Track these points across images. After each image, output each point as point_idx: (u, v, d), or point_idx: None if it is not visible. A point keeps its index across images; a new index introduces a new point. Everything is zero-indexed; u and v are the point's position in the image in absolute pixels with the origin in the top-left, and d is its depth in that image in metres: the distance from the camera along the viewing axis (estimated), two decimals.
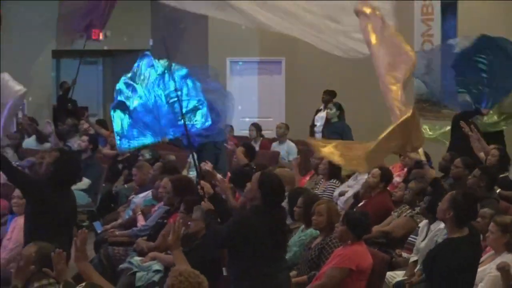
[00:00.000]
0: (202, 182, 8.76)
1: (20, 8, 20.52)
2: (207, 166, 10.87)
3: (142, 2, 21.43)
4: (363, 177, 11.95)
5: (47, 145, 15.66)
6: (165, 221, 10.54)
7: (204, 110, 11.53)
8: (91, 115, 19.94)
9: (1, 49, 19.33)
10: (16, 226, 10.03)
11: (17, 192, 10.14)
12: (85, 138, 16.18)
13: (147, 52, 12.87)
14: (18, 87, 12.79)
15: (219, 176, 10.79)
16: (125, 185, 14.67)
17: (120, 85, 11.98)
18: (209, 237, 8.54)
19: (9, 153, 15.65)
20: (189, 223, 9.38)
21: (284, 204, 8.85)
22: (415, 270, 9.16)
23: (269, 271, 7.69)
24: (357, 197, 11.41)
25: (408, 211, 10.53)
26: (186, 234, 9.37)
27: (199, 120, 11.76)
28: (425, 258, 8.33)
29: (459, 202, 7.61)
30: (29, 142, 17.03)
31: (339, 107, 16.42)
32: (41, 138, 16.78)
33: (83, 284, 6.55)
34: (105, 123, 18.96)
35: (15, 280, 6.96)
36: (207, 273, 6.54)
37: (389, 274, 9.07)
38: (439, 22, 17.40)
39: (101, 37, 21.33)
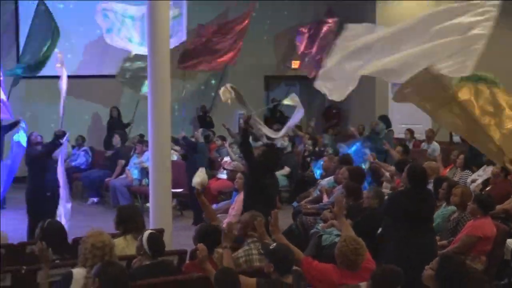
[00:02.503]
0: None
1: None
2: (371, 157, 11.07)
3: None
4: (489, 169, 11.91)
5: (259, 143, 15.91)
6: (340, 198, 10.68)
7: None
8: None
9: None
10: (238, 199, 10.27)
11: (239, 174, 10.41)
12: (286, 138, 16.43)
13: None
14: None
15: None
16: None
17: None
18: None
19: (233, 148, 16.04)
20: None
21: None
22: None
23: (419, 236, 7.71)
24: (485, 183, 11.31)
25: None
26: (356, 207, 9.54)
27: None
28: None
29: None
30: None
31: None
32: (255, 138, 17.04)
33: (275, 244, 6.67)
34: (301, 128, 19.21)
35: (225, 241, 6.94)
36: (369, 239, 6.70)
37: (509, 241, 8.93)
38: None
39: (297, 66, 21.63)
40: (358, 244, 6.49)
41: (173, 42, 14.41)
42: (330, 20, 20.93)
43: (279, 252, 6.33)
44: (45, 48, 16.67)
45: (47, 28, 16.84)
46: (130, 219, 7.85)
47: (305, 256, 6.90)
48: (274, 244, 6.56)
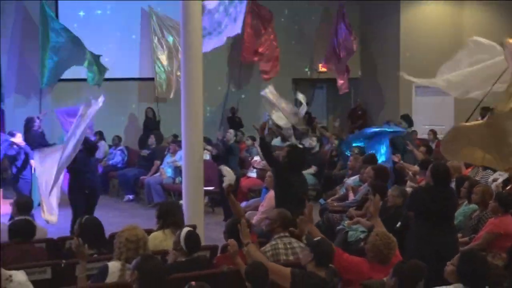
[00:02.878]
0: None
1: None
2: (396, 158, 11.02)
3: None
4: None
5: (288, 143, 15.90)
6: (368, 197, 10.62)
7: None
8: (319, 122, 20.04)
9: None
10: (267, 197, 10.24)
11: (269, 173, 10.39)
12: (314, 138, 16.41)
13: None
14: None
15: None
16: (340, 171, 14.76)
17: None
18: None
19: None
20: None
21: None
22: None
23: (442, 233, 7.67)
24: (506, 182, 11.20)
25: None
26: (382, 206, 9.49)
27: None
28: None
29: None
30: (276, 141, 17.24)
31: None
32: (284, 138, 17.06)
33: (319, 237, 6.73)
34: (327, 128, 19.20)
35: (244, 239, 6.86)
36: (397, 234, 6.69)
37: None
38: None
39: (325, 70, 21.56)
40: (390, 239, 6.52)
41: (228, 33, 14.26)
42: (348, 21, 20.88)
43: (322, 245, 6.42)
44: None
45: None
46: (170, 214, 7.88)
47: (336, 248, 6.91)
48: (319, 237, 6.70)
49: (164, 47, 18.49)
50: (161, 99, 19.02)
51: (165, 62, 18.37)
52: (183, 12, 10.29)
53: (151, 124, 18.71)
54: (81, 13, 18.56)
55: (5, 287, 5.96)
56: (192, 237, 6.89)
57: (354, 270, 6.48)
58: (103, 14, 19.00)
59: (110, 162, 17.01)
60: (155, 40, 18.52)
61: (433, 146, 15.94)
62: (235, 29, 16.34)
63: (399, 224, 8.59)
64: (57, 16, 17.83)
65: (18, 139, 13.41)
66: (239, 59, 19.94)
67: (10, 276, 6.09)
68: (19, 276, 6.17)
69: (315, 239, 6.67)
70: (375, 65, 21.86)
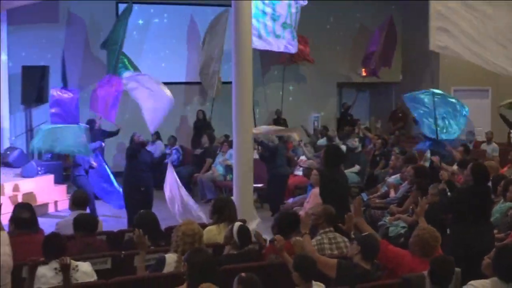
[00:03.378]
0: None
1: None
2: (435, 159, 10.93)
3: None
4: None
5: (321, 141, 15.96)
6: (408, 194, 10.59)
7: None
8: (362, 124, 19.96)
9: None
10: (312, 193, 10.21)
11: (314, 171, 10.38)
12: (356, 139, 16.36)
13: None
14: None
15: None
16: (382, 170, 14.70)
17: None
18: (438, 206, 8.62)
19: (308, 147, 16.06)
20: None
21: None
22: None
23: (480, 229, 7.65)
24: None
25: None
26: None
27: None
28: None
29: None
30: (322, 141, 17.21)
31: None
32: (329, 139, 17.03)
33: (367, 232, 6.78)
34: (370, 130, 19.14)
35: (303, 228, 6.95)
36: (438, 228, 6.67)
37: None
38: None
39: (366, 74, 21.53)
40: (436, 233, 6.51)
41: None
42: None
43: (370, 239, 6.46)
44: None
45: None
46: (224, 210, 7.94)
47: (382, 239, 6.94)
48: (367, 232, 6.77)
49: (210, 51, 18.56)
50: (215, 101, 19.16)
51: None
52: (235, 15, 10.32)
53: (202, 125, 18.82)
54: (140, 22, 18.74)
55: (72, 276, 6.09)
56: (244, 231, 6.95)
57: (397, 261, 6.47)
58: (160, 23, 19.19)
59: (166, 160, 17.12)
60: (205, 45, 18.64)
61: (471, 146, 15.83)
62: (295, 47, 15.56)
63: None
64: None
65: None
66: (285, 63, 19.95)
67: (77, 266, 6.23)
68: (85, 266, 6.30)
69: (364, 234, 6.72)
70: (415, 70, 21.71)
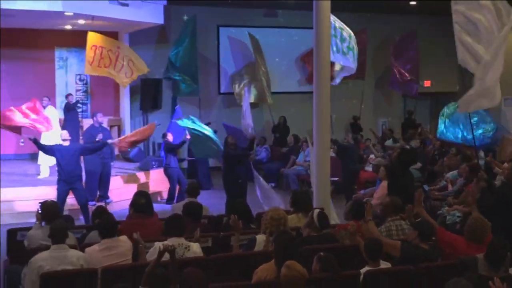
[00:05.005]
0: None
1: None
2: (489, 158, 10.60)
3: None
4: None
5: (397, 144, 15.70)
6: (464, 188, 10.34)
7: None
8: (424, 128, 19.54)
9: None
10: (381, 186, 10.10)
11: (382, 167, 10.25)
12: (418, 140, 16.06)
13: None
14: None
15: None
16: (440, 167, 14.38)
17: None
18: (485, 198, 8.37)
19: (377, 147, 15.91)
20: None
21: None
22: None
23: None
24: None
25: None
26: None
27: None
28: None
29: None
30: (388, 142, 16.94)
31: None
32: (395, 140, 16.81)
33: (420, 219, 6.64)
34: (430, 132, 18.75)
35: (367, 215, 6.91)
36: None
37: None
38: None
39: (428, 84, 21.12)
40: (485, 222, 6.33)
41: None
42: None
43: (423, 224, 6.45)
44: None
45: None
46: (302, 201, 7.92)
47: (439, 227, 6.85)
48: (420, 219, 6.76)
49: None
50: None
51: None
52: (316, 33, 10.22)
53: (282, 129, 18.83)
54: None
55: (184, 254, 6.17)
56: (323, 216, 6.93)
57: (453, 245, 6.36)
58: (265, 41, 18.94)
59: (257, 157, 17.24)
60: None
61: None
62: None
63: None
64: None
65: (170, 137, 14.05)
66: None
67: (189, 246, 6.30)
68: (195, 247, 6.37)
69: (417, 220, 6.71)
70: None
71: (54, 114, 14.42)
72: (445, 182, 11.80)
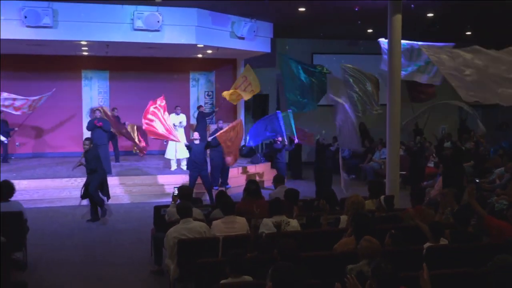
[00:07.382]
0: None
1: None
2: None
3: None
4: None
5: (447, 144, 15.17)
6: (510, 182, 9.83)
7: None
8: (476, 133, 18.63)
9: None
10: (439, 181, 9.82)
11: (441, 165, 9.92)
12: (471, 143, 15.38)
13: None
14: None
15: None
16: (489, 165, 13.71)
17: None
18: None
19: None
20: None
21: None
22: None
23: None
24: None
25: None
26: None
27: None
28: None
29: None
30: (447, 144, 16.30)
31: None
32: (452, 142, 16.17)
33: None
34: (482, 136, 17.86)
35: (442, 204, 6.74)
36: None
37: None
38: None
39: None
40: None
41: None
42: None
43: (460, 212, 6.12)
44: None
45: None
46: (376, 190, 7.78)
47: (487, 215, 6.50)
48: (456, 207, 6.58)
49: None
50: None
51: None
52: (389, 55, 10.05)
53: (362, 132, 18.28)
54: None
55: (285, 229, 6.19)
56: (389, 200, 6.80)
57: (500, 230, 6.04)
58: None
59: (342, 155, 17.00)
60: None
61: None
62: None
63: None
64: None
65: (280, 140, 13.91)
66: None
67: (289, 221, 6.32)
68: (294, 222, 6.40)
69: (455, 209, 6.43)
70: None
71: (183, 119, 14.46)
72: (494, 177, 11.27)
